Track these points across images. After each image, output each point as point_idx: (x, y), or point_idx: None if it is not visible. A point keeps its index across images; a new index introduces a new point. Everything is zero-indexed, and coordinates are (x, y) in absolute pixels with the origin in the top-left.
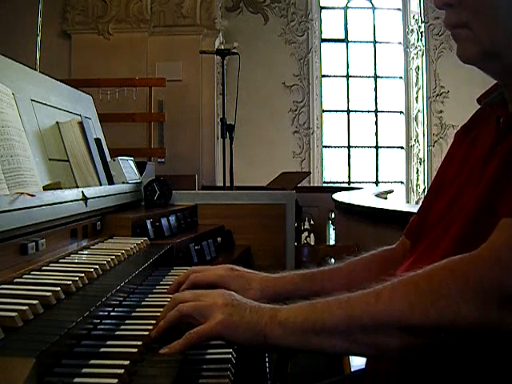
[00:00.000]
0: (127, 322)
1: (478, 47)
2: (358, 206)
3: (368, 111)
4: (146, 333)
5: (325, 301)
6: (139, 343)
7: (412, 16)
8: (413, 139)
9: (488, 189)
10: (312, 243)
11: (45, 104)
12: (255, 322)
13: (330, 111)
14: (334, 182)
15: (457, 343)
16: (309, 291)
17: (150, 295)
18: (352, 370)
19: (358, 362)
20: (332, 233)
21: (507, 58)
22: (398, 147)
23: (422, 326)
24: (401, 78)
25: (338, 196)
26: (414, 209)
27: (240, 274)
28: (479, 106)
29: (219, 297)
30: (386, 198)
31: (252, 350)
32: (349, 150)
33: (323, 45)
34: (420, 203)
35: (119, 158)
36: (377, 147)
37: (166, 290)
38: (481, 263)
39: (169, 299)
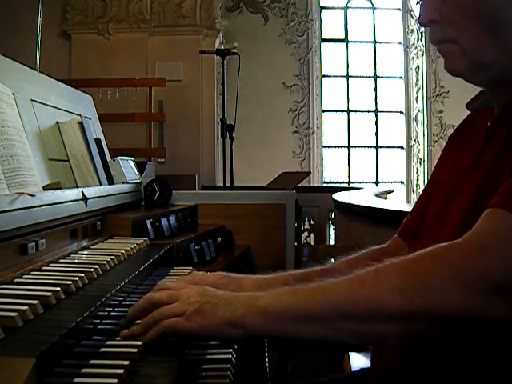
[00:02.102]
0: None
1: (467, 60)
2: (358, 206)
3: (368, 111)
4: None
5: (307, 287)
6: (139, 343)
7: (412, 16)
8: (413, 139)
9: (480, 188)
10: (312, 243)
11: (45, 104)
12: (229, 315)
13: (329, 111)
14: (334, 182)
15: (440, 331)
16: None
17: None
18: (352, 369)
19: (358, 362)
20: (332, 233)
21: (495, 69)
22: (398, 147)
23: (406, 311)
24: (401, 78)
25: (338, 196)
26: None
27: (232, 280)
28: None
29: (192, 293)
30: (386, 198)
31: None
32: (349, 150)
33: (323, 45)
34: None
35: (119, 157)
36: (377, 147)
37: None
38: (466, 250)
39: None
